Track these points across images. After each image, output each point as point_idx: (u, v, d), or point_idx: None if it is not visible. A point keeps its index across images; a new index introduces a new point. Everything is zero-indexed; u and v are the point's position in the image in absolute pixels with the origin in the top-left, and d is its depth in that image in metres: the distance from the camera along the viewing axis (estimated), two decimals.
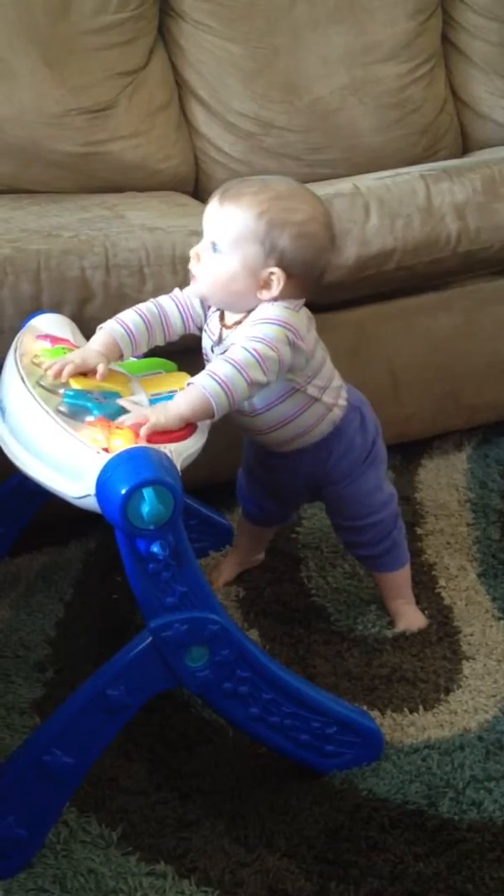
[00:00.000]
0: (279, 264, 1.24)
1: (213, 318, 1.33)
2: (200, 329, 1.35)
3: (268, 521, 1.60)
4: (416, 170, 1.89)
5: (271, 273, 1.24)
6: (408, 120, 2.23)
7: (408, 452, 1.97)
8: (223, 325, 1.31)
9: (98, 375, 1.22)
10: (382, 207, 1.76)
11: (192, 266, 1.29)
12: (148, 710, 1.22)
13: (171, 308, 1.33)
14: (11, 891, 1.08)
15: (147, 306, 1.33)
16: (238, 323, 1.28)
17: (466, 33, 2.33)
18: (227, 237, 1.24)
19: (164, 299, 1.34)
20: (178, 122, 2.14)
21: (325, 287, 1.71)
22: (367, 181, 1.84)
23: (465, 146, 2.34)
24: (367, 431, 1.41)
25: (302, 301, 1.30)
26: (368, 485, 1.42)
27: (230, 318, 1.30)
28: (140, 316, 1.31)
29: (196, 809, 1.19)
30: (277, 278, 1.24)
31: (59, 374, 1.20)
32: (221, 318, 1.32)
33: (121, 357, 1.30)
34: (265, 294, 1.25)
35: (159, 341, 1.34)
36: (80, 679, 1.14)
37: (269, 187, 1.25)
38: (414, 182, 1.81)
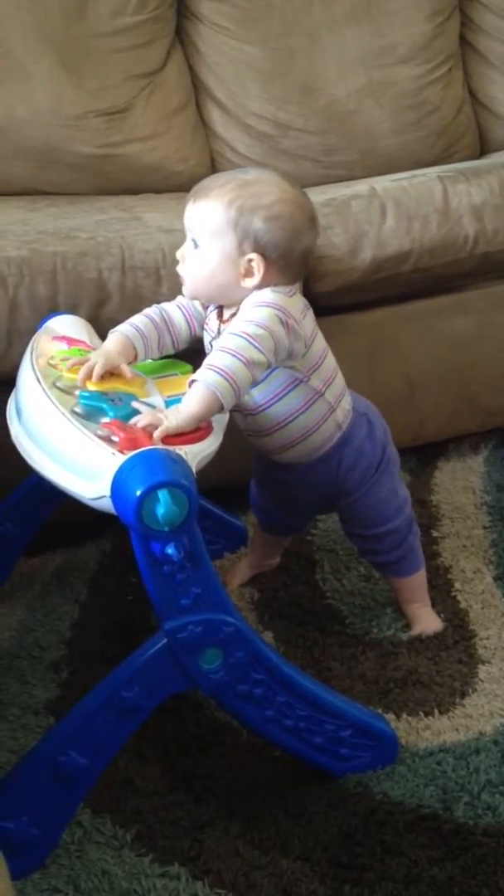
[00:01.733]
0: (256, 249, 1.25)
1: (212, 315, 1.34)
2: (202, 328, 1.36)
3: (281, 532, 1.60)
4: (433, 171, 1.89)
5: (250, 260, 1.25)
6: (425, 122, 2.22)
7: (423, 455, 1.96)
8: (221, 321, 1.32)
9: (125, 374, 1.24)
10: (399, 209, 1.76)
11: (179, 268, 1.31)
12: (162, 712, 1.22)
13: (176, 313, 1.35)
14: (25, 891, 1.09)
15: (153, 310, 1.35)
16: (234, 315, 1.28)
17: (484, 35, 2.32)
18: (204, 232, 1.26)
19: (167, 305, 1.37)
20: (194, 124, 2.14)
21: (341, 288, 1.72)
22: (383, 183, 1.84)
23: (483, 148, 2.33)
24: (375, 437, 1.39)
25: (294, 287, 1.30)
26: (383, 492, 1.41)
27: (227, 312, 1.31)
28: (149, 319, 1.34)
29: (210, 811, 1.19)
30: (257, 264, 1.25)
31: (88, 377, 1.21)
32: (220, 315, 1.32)
33: (136, 358, 1.30)
34: (248, 282, 1.26)
35: (169, 348, 1.35)
36: (94, 680, 1.14)
37: (237, 178, 1.28)
38: (431, 184, 1.80)
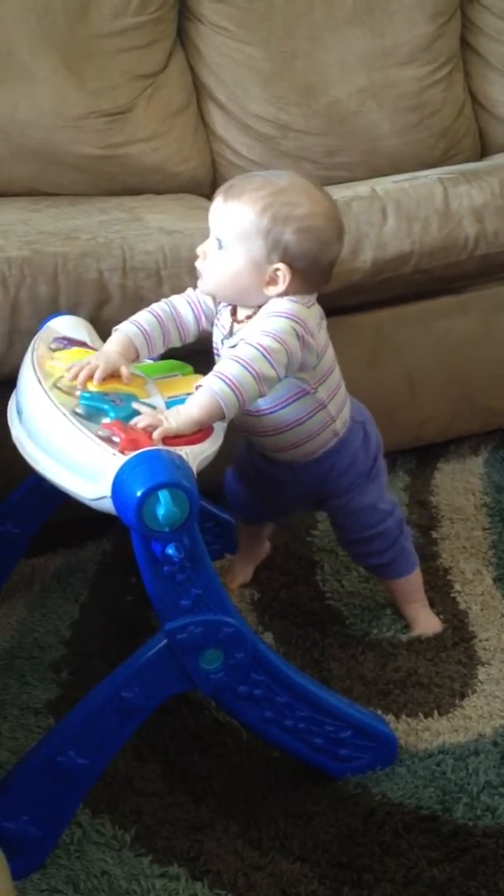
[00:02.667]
0: (283, 259, 1.24)
1: (225, 312, 1.32)
2: (211, 324, 1.35)
3: (258, 521, 1.59)
4: (434, 173, 1.89)
5: (276, 269, 1.24)
6: (426, 123, 2.22)
7: (424, 456, 1.96)
8: (234, 320, 1.31)
9: (123, 378, 1.22)
10: (400, 210, 1.76)
11: (199, 264, 1.30)
12: (162, 712, 1.22)
13: (184, 307, 1.34)
14: (25, 891, 1.09)
15: (160, 306, 1.34)
16: (249, 318, 1.28)
17: (486, 36, 2.31)
18: (231, 233, 1.25)
19: (176, 299, 1.35)
20: (195, 124, 2.14)
21: (342, 290, 1.72)
22: (384, 184, 1.84)
23: (484, 149, 2.33)
24: (369, 447, 1.40)
25: (313, 296, 1.29)
26: (369, 498, 1.41)
27: (242, 312, 1.30)
28: (154, 316, 1.32)
29: (210, 812, 1.19)
30: (283, 274, 1.24)
31: (89, 380, 1.20)
32: (233, 312, 1.31)
33: (137, 358, 1.30)
34: (272, 290, 1.25)
35: (175, 342, 1.34)
36: (94, 680, 1.14)
37: (271, 182, 1.26)
38: (432, 185, 1.80)
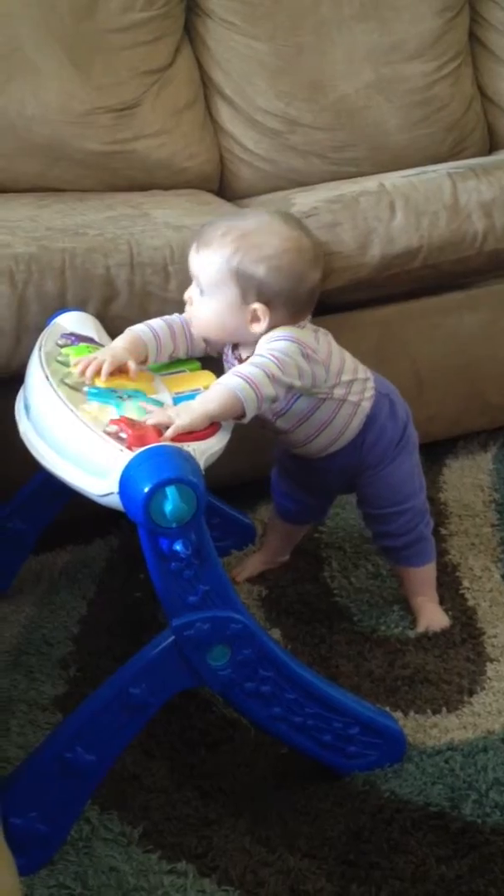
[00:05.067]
0: (259, 299, 1.27)
1: (227, 350, 1.36)
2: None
3: (303, 518, 1.61)
4: (442, 168, 1.88)
5: (254, 309, 1.27)
6: (434, 118, 2.21)
7: (432, 453, 1.96)
8: (237, 359, 1.33)
9: (130, 373, 1.24)
10: (408, 205, 1.75)
11: (187, 310, 1.33)
12: (170, 709, 1.22)
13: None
14: (33, 887, 1.09)
15: (175, 318, 1.36)
16: (251, 356, 1.29)
17: (494, 31, 2.31)
18: (207, 281, 1.28)
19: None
20: (203, 120, 2.14)
21: (350, 285, 1.72)
22: (392, 179, 1.83)
23: (493, 144, 2.32)
24: (397, 417, 1.42)
25: (303, 322, 1.31)
26: (401, 471, 1.43)
27: (244, 351, 1.33)
28: (167, 325, 1.35)
29: (217, 808, 1.19)
30: (261, 313, 1.27)
31: (97, 375, 1.21)
32: (235, 348, 1.34)
33: (145, 361, 1.31)
34: (256, 328, 1.28)
35: (181, 353, 1.36)
36: (102, 676, 1.15)
37: (236, 227, 1.28)
38: (440, 180, 1.80)
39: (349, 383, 1.34)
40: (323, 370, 1.30)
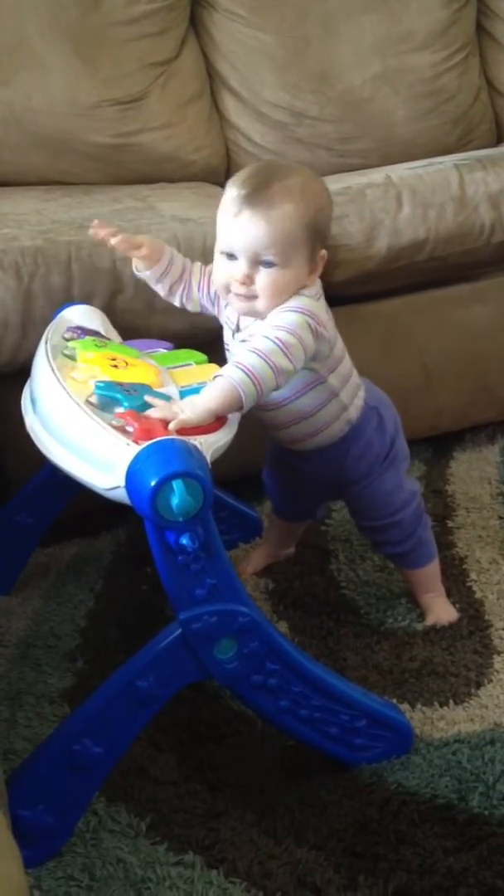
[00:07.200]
0: (324, 245, 1.25)
1: (230, 307, 1.31)
2: (211, 303, 1.36)
3: (295, 517, 1.60)
4: (449, 159, 1.88)
5: (322, 256, 1.25)
6: (441, 109, 2.20)
7: (440, 445, 1.96)
8: (235, 328, 1.31)
9: (144, 249, 1.31)
10: (415, 197, 1.75)
11: (242, 290, 1.23)
12: (177, 701, 1.22)
13: (196, 272, 1.36)
14: (41, 879, 1.09)
15: (187, 261, 1.37)
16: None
17: (501, 21, 2.29)
18: (284, 244, 1.20)
19: (196, 269, 1.37)
20: (209, 112, 2.13)
21: (357, 278, 1.71)
22: (399, 171, 1.83)
23: (500, 135, 2.32)
24: (384, 432, 1.39)
25: (321, 289, 1.29)
26: (387, 485, 1.41)
27: (245, 319, 1.30)
28: (183, 263, 1.36)
29: (225, 800, 1.19)
30: (321, 259, 1.26)
31: (109, 235, 1.27)
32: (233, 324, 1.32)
33: (160, 258, 1.34)
34: (314, 276, 1.26)
35: (177, 296, 1.37)
36: (109, 669, 1.15)
37: (289, 182, 1.21)
38: (447, 172, 1.79)
39: (344, 381, 1.33)
40: (327, 348, 1.27)
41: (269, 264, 1.22)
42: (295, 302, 1.23)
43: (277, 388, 1.20)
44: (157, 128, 2.04)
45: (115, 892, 1.08)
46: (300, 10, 2.14)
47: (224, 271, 1.25)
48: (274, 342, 1.18)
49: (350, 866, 1.10)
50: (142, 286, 1.56)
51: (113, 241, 1.32)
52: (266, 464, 1.54)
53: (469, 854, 1.10)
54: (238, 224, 1.21)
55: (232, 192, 1.23)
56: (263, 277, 1.22)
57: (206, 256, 1.58)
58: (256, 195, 1.21)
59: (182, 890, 1.07)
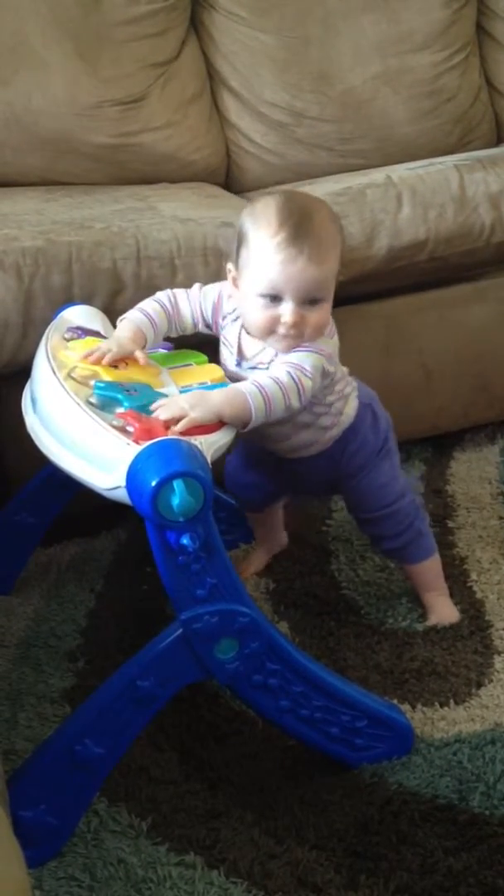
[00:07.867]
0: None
1: (232, 329, 1.31)
2: (208, 327, 1.35)
3: (270, 502, 1.58)
4: (449, 160, 1.88)
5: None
6: (441, 109, 2.21)
7: (440, 445, 1.96)
8: (241, 337, 1.30)
9: (140, 361, 1.24)
10: (415, 197, 1.75)
11: (293, 332, 1.22)
12: (178, 701, 1.22)
13: (185, 305, 1.34)
14: (42, 879, 1.09)
15: (164, 296, 1.34)
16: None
17: (501, 21, 2.29)
18: (330, 282, 1.23)
19: (179, 294, 1.35)
20: (209, 112, 2.13)
21: (357, 278, 1.71)
22: (399, 171, 1.83)
23: (500, 136, 2.32)
24: (378, 428, 1.41)
25: (334, 326, 1.30)
26: (383, 476, 1.42)
27: (254, 344, 1.29)
28: (160, 305, 1.33)
29: (225, 800, 1.19)
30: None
31: (98, 362, 1.21)
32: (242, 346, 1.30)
33: (145, 345, 1.30)
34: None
35: (173, 331, 1.35)
36: (110, 669, 1.15)
37: (321, 215, 1.23)
38: (447, 172, 1.79)
39: (339, 395, 1.34)
40: (329, 380, 1.30)
41: (316, 301, 1.22)
42: (318, 343, 1.25)
43: (281, 422, 1.22)
44: (158, 128, 2.04)
45: (116, 893, 1.08)
46: (300, 10, 2.14)
47: (267, 314, 1.22)
48: (295, 381, 1.20)
49: (351, 866, 1.10)
50: (142, 286, 1.57)
51: (105, 362, 1.23)
52: (239, 460, 1.49)
53: (470, 854, 1.10)
54: (293, 267, 1.19)
55: (269, 233, 1.20)
56: (313, 315, 1.22)
57: (207, 257, 1.59)
58: (303, 237, 1.19)
59: (183, 890, 1.07)
